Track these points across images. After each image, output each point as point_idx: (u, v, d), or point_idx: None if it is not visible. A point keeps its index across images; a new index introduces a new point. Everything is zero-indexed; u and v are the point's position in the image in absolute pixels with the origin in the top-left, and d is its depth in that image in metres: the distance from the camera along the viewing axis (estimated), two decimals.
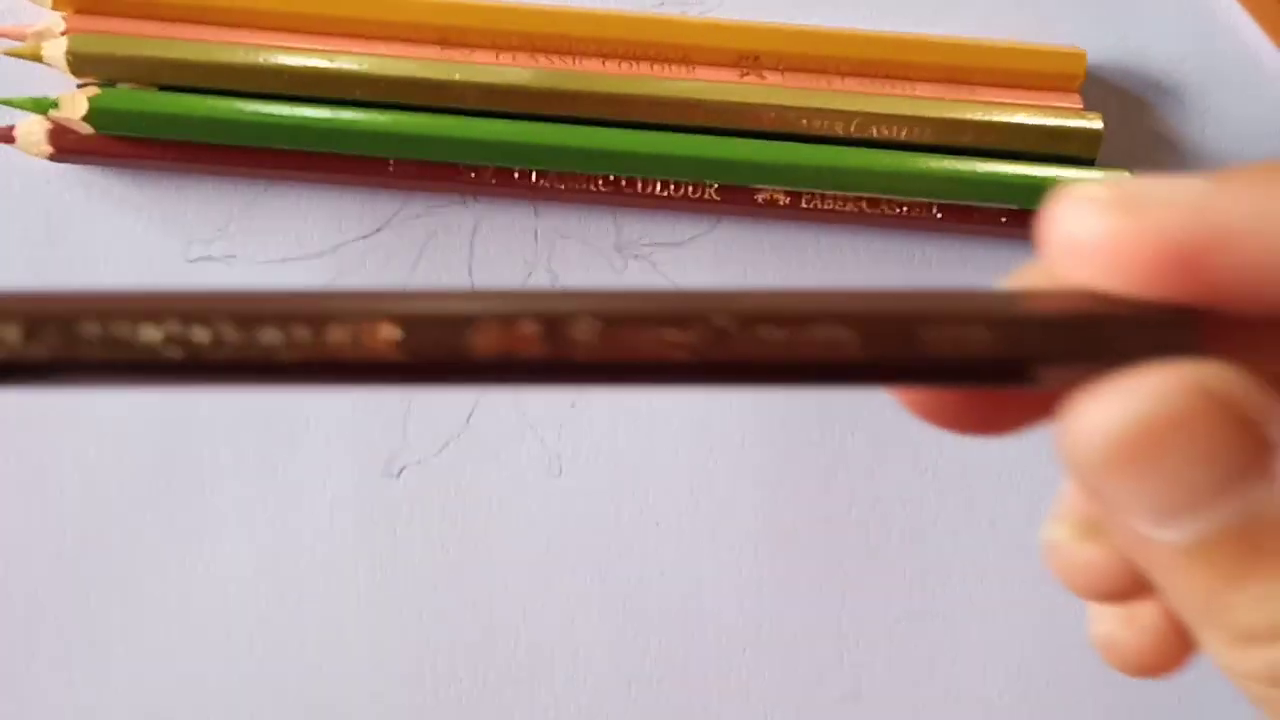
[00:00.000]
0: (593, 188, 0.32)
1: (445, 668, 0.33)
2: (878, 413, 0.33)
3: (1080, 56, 0.33)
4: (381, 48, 0.32)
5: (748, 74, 0.32)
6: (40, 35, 0.31)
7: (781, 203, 0.32)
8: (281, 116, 0.31)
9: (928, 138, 0.32)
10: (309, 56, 0.31)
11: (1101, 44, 0.34)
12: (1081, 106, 0.33)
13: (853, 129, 0.32)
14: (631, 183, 0.32)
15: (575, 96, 0.31)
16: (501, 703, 0.33)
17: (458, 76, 0.31)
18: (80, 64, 0.31)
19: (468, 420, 0.33)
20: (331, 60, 0.31)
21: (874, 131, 0.32)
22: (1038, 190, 0.32)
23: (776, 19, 0.33)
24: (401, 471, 0.33)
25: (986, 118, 0.32)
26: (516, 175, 0.32)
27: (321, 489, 0.33)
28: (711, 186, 0.32)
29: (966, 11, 0.34)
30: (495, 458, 0.33)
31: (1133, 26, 0.34)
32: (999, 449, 0.33)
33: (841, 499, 0.33)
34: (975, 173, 0.31)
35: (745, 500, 0.33)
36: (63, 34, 0.31)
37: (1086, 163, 0.32)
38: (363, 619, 0.33)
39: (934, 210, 0.32)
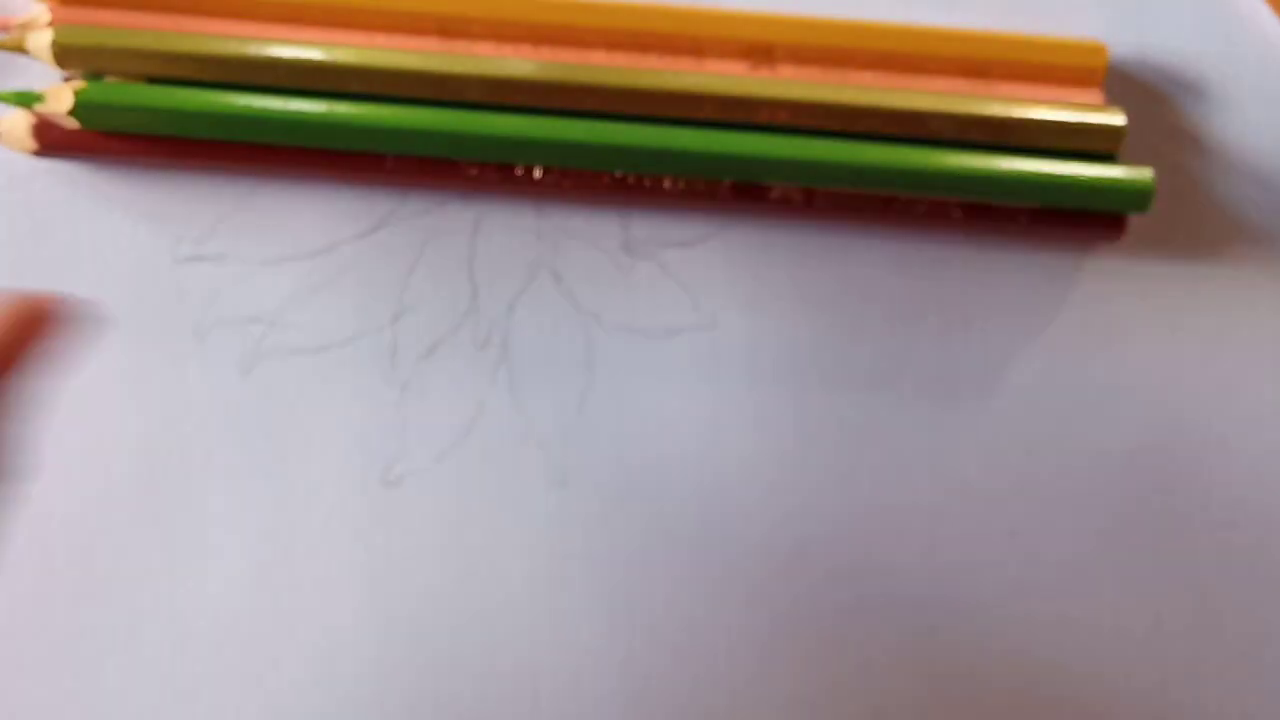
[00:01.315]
0: (599, 184, 0.31)
1: (445, 680, 0.32)
2: (894, 422, 0.32)
3: (1101, 50, 0.32)
4: (380, 39, 0.31)
5: (759, 67, 0.31)
6: (26, 26, 0.30)
7: (795, 201, 0.31)
8: (275, 110, 0.30)
9: (947, 133, 0.31)
10: (304, 48, 0.30)
11: (1123, 39, 0.33)
12: (1103, 101, 0.32)
13: (869, 125, 0.31)
14: (639, 179, 0.31)
15: (580, 90, 0.30)
16: (503, 717, 0.32)
17: (458, 69, 0.30)
18: (65, 56, 0.30)
19: (469, 428, 0.32)
20: (328, 52, 0.30)
21: (891, 127, 0.31)
22: (1060, 188, 0.31)
23: (789, 9, 0.32)
24: (400, 480, 0.32)
25: (1007, 113, 0.31)
26: (519, 172, 0.31)
27: (318, 497, 0.32)
28: (724, 183, 0.31)
29: (986, 5, 0.33)
30: (497, 467, 0.32)
31: (1153, 21, 0.33)
32: (1019, 460, 0.32)
33: (856, 510, 0.32)
34: (996, 169, 0.31)
35: (755, 511, 0.32)
36: (49, 24, 0.30)
37: (1108, 158, 0.31)
38: (360, 629, 0.32)
39: (954, 208, 0.31)
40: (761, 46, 0.31)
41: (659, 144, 0.30)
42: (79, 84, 0.30)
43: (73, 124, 0.30)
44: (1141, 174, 0.31)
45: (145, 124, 0.30)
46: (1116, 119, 0.31)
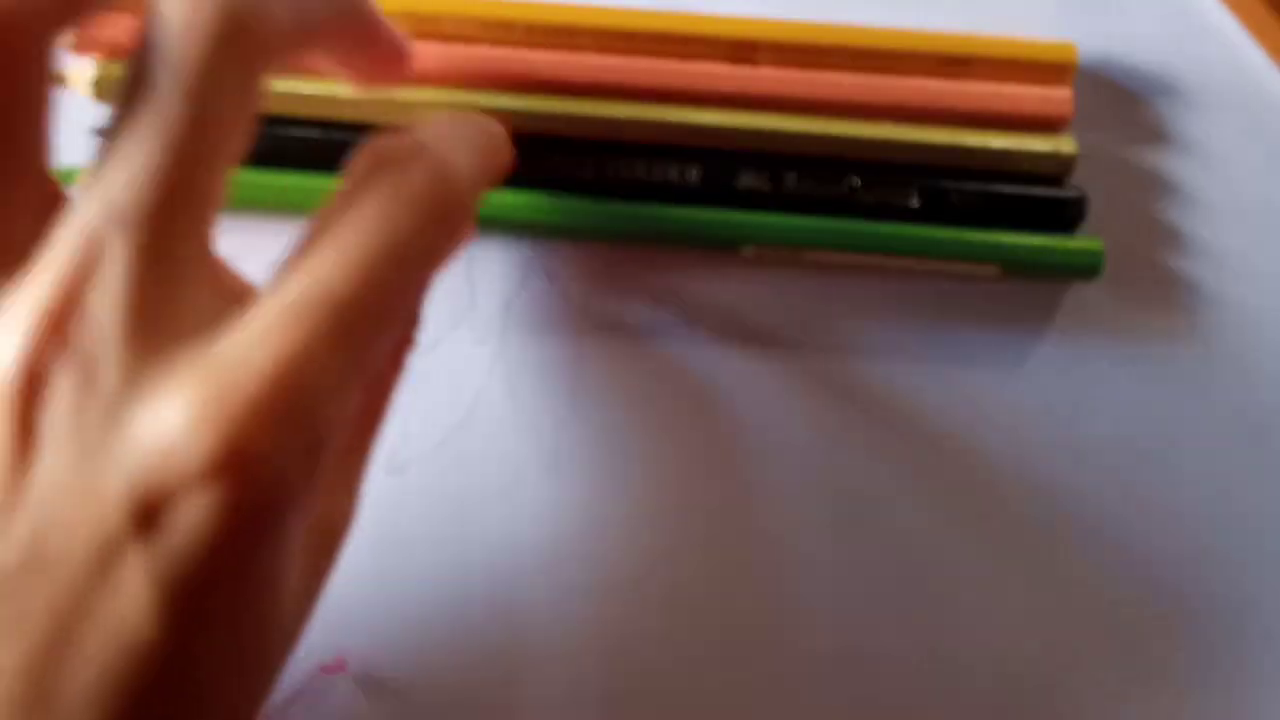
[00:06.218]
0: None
1: (446, 666, 0.32)
2: (881, 406, 0.33)
3: (1070, 49, 0.33)
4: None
5: (742, 65, 0.33)
6: None
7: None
8: (309, 189, 0.32)
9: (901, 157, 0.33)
10: (334, 85, 0.32)
11: (1094, 41, 0.34)
12: (1071, 99, 0.33)
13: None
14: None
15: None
16: (501, 701, 0.32)
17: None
18: (106, 90, 0.31)
19: (468, 420, 0.33)
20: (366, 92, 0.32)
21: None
22: (1012, 259, 0.32)
23: (770, 13, 0.33)
24: (404, 467, 0.33)
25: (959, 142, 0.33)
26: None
27: None
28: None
29: (958, 7, 0.35)
30: (494, 455, 0.33)
31: (1122, 25, 0.35)
32: (994, 442, 0.33)
33: (844, 498, 0.33)
34: (935, 237, 0.32)
35: (747, 496, 0.33)
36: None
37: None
38: (366, 608, 0.32)
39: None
40: (745, 45, 0.32)
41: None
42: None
43: None
44: (1091, 245, 0.32)
45: None
46: (1065, 146, 0.33)
